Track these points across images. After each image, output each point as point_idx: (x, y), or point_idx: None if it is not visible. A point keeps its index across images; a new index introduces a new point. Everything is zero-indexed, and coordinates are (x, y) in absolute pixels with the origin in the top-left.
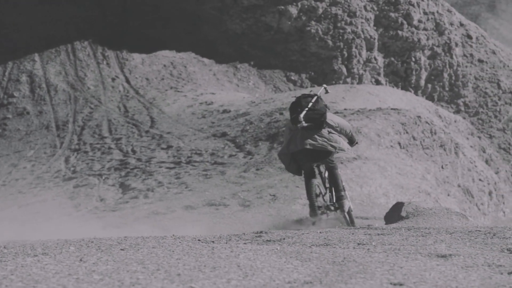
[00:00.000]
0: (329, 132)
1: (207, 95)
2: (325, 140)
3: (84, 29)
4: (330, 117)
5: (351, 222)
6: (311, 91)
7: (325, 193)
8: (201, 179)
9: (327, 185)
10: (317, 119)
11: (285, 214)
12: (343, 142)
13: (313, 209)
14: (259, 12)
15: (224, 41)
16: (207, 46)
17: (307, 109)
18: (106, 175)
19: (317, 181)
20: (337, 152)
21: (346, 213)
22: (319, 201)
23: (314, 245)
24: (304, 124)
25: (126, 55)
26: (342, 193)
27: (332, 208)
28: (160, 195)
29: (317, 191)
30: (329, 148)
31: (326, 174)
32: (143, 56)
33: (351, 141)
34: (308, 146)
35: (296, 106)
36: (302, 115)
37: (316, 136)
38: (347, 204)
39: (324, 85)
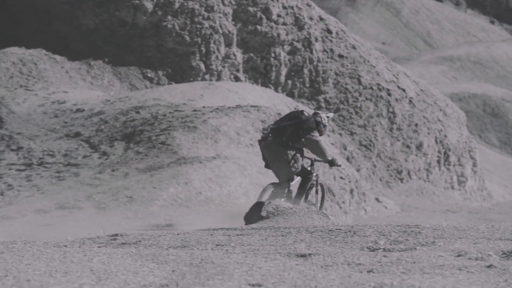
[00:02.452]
0: (294, 154)
1: (59, 93)
2: (277, 158)
3: None
4: (309, 143)
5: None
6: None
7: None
8: (53, 181)
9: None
10: (281, 137)
11: (142, 216)
12: (286, 170)
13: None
14: (113, 7)
15: (76, 37)
16: (58, 42)
17: (274, 125)
18: None
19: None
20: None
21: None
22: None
23: (171, 247)
24: (265, 134)
25: None
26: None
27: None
28: (10, 199)
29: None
30: (272, 166)
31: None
32: None
33: (331, 164)
34: (265, 155)
35: (289, 116)
36: (269, 127)
37: (275, 149)
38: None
39: (329, 114)
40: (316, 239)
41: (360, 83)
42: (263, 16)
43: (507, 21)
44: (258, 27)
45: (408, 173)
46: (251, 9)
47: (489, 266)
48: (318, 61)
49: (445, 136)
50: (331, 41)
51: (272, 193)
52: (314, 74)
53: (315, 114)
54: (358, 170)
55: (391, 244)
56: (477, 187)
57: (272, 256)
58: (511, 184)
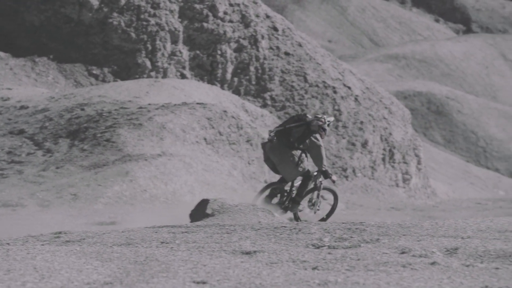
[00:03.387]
0: (300, 155)
1: (3, 90)
2: (283, 159)
3: None
4: (311, 146)
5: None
6: (322, 117)
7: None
8: None
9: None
10: (288, 139)
11: (87, 214)
12: (294, 171)
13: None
14: (58, 3)
15: (21, 34)
16: (2, 39)
17: (281, 127)
18: None
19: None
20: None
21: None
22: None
23: (115, 245)
24: (271, 136)
25: None
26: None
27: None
28: None
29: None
30: (278, 167)
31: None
32: None
33: (325, 176)
34: (271, 157)
35: (294, 119)
36: (274, 130)
37: (281, 151)
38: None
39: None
40: (261, 237)
41: (306, 80)
42: (210, 14)
43: (452, 20)
44: (205, 24)
45: (353, 170)
46: (197, 6)
47: (433, 263)
48: (264, 58)
49: (390, 134)
50: (277, 38)
51: (271, 191)
52: (260, 71)
53: (317, 117)
54: None
55: (335, 242)
56: (422, 185)
57: (217, 254)
58: (455, 182)
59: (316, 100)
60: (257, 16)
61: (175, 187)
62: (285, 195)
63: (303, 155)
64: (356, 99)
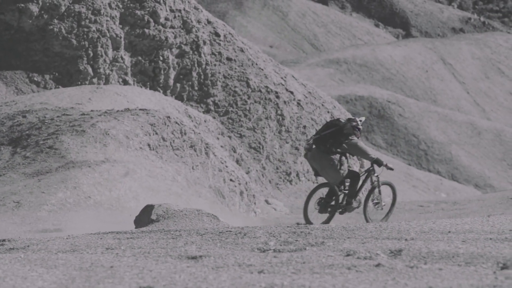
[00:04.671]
0: (339, 159)
1: None
2: (324, 165)
3: None
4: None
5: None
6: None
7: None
8: None
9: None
10: (324, 145)
11: (31, 221)
12: (336, 175)
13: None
14: None
15: None
16: None
17: (318, 135)
18: None
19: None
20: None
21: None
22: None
23: (60, 252)
24: (309, 145)
25: None
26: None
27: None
28: None
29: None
30: (321, 173)
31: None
32: None
33: (378, 164)
34: (313, 165)
35: (327, 125)
36: (313, 137)
37: (321, 157)
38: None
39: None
40: (206, 241)
41: (248, 86)
42: (151, 20)
43: (392, 25)
44: (146, 30)
45: (297, 174)
46: (138, 12)
47: (377, 265)
48: (207, 64)
49: None
50: (219, 44)
51: (327, 194)
52: (202, 77)
53: (350, 119)
54: (247, 173)
55: (281, 245)
56: (364, 188)
57: (163, 259)
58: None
59: (259, 105)
60: (199, 22)
61: (119, 193)
62: (340, 197)
63: (343, 158)
64: (298, 104)
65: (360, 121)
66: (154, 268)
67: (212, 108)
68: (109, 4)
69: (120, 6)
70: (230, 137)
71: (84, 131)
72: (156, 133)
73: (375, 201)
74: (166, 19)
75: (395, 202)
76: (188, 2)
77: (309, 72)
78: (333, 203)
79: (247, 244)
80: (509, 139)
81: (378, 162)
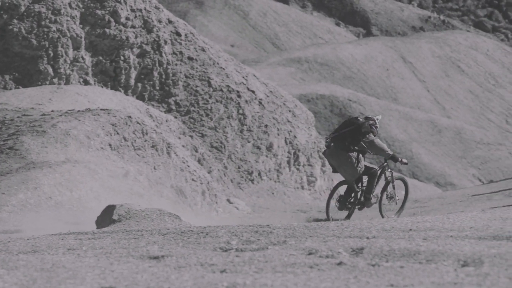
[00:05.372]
0: (356, 156)
1: None
2: (342, 162)
3: None
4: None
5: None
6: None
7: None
8: None
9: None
10: (343, 143)
11: None
12: (353, 171)
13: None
14: None
15: None
16: None
17: (336, 133)
18: None
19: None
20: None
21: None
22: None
23: (21, 253)
24: (328, 143)
25: None
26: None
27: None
28: None
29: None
30: (339, 170)
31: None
32: None
33: (394, 160)
34: (331, 162)
35: (346, 124)
36: (331, 136)
37: (339, 155)
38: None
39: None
40: (168, 241)
41: (210, 85)
42: (112, 19)
43: (352, 23)
44: (107, 30)
45: (259, 174)
46: (99, 12)
47: (339, 264)
48: (168, 63)
49: (295, 137)
50: (180, 43)
51: (345, 192)
52: (164, 76)
53: (367, 118)
54: (209, 172)
55: (243, 244)
56: (326, 187)
57: (125, 259)
58: None
59: (221, 104)
60: (160, 21)
61: (81, 193)
62: (358, 194)
63: (360, 155)
64: (260, 103)
65: (377, 119)
66: (116, 269)
67: (173, 107)
68: (69, 4)
69: (81, 6)
70: (191, 136)
71: (45, 132)
72: (118, 133)
73: (389, 195)
74: (127, 18)
75: (407, 197)
76: (149, 1)
77: (270, 71)
78: (352, 199)
79: (209, 243)
80: (469, 137)
81: (394, 158)
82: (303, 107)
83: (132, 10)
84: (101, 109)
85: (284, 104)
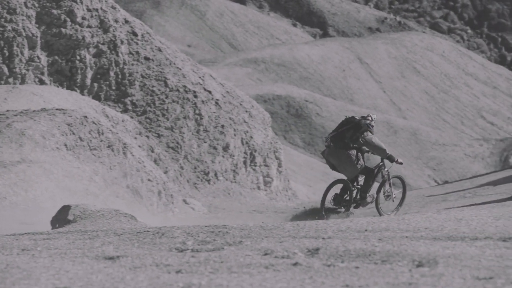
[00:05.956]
0: (356, 154)
1: None
2: (342, 160)
3: None
4: (367, 143)
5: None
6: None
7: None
8: None
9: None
10: (342, 141)
11: None
12: (353, 169)
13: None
14: None
15: None
16: None
17: (334, 132)
18: None
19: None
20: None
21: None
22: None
23: None
24: (328, 142)
25: None
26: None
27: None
28: None
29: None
30: (339, 168)
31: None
32: None
33: (390, 160)
34: (331, 161)
35: (343, 123)
36: (330, 135)
37: (338, 153)
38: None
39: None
40: (124, 242)
41: (166, 85)
42: (68, 19)
43: (309, 24)
44: (63, 29)
45: (215, 174)
46: (55, 11)
47: (295, 264)
48: (124, 63)
49: (251, 137)
50: (137, 43)
51: (341, 190)
52: (120, 76)
53: (363, 117)
54: (165, 172)
55: (199, 245)
56: (283, 187)
57: (80, 260)
58: (315, 184)
59: (177, 104)
60: (116, 21)
61: (36, 194)
62: (353, 193)
63: (359, 153)
64: (216, 103)
65: (373, 118)
66: (70, 269)
67: (129, 107)
68: (25, 3)
69: (36, 5)
70: (148, 136)
71: (0, 132)
72: (73, 133)
73: (386, 194)
74: (83, 18)
75: (405, 194)
76: (105, 1)
77: (227, 71)
78: (347, 198)
79: (165, 244)
80: (424, 137)
81: (391, 159)
82: (260, 107)
83: (89, 10)
84: (56, 109)
85: (240, 104)
